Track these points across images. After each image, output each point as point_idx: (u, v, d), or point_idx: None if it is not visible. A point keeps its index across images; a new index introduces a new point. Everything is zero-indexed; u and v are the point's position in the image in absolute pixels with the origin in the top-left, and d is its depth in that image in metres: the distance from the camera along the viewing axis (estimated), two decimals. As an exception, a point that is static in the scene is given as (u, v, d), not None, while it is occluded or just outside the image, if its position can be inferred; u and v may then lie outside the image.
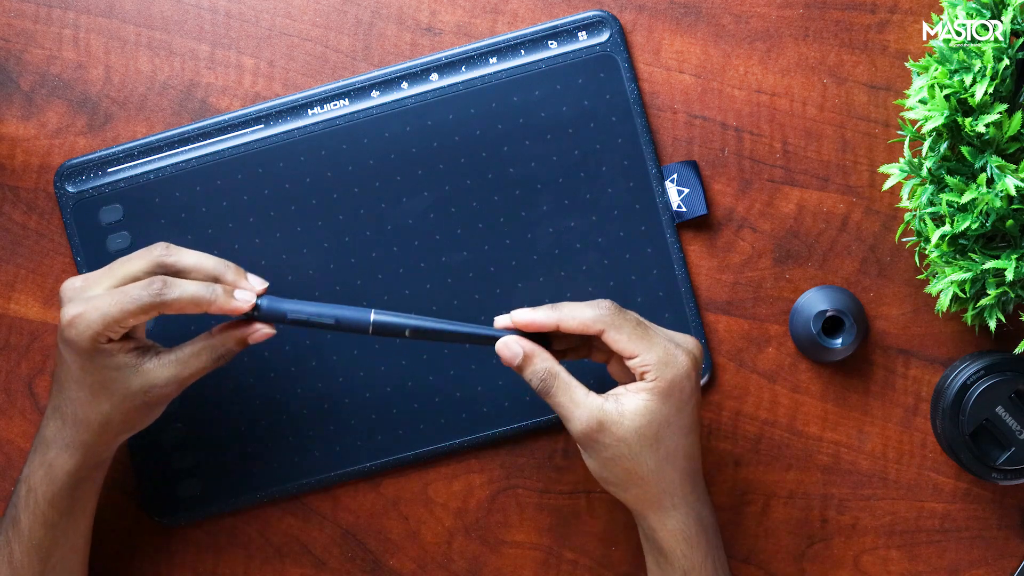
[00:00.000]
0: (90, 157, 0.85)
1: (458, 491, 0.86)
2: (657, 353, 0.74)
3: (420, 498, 0.86)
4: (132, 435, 0.80)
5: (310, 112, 0.85)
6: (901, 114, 0.81)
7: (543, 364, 0.76)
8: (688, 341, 0.76)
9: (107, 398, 0.76)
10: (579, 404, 0.75)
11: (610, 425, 0.74)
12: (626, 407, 0.74)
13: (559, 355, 0.79)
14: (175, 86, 0.86)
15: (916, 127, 0.79)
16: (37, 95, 0.87)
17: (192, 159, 0.85)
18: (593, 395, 0.75)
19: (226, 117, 0.85)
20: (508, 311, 0.78)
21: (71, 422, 0.77)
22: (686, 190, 0.84)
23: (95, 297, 0.74)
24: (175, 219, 0.85)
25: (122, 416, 0.77)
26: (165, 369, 0.76)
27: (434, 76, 0.85)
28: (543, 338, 0.77)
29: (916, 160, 0.78)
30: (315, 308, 0.77)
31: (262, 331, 0.78)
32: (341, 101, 0.85)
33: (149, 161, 0.85)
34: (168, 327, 0.85)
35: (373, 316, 0.76)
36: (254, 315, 0.77)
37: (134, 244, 0.85)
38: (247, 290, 0.77)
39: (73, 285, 0.76)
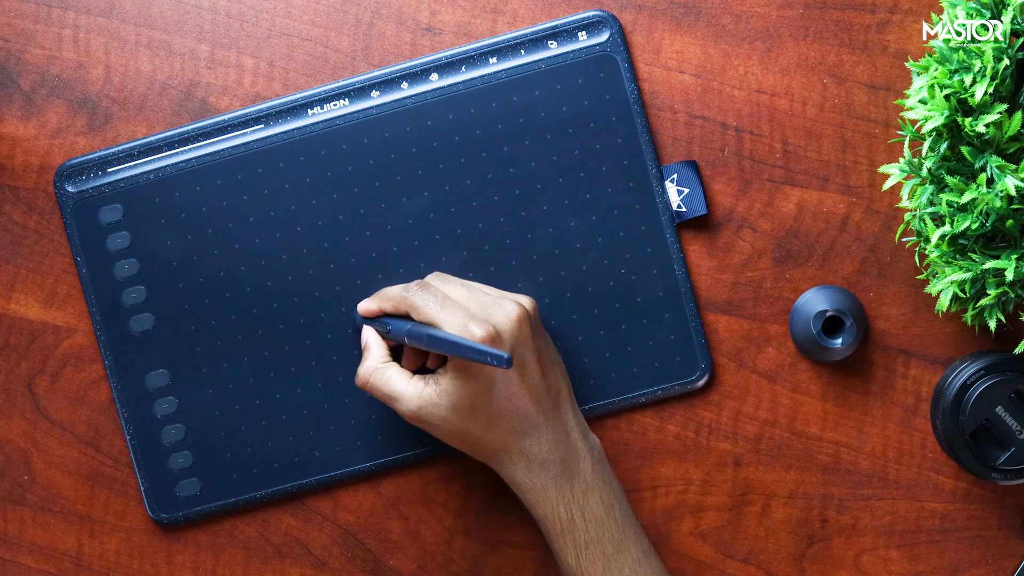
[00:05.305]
0: (90, 157, 0.85)
1: (458, 491, 0.86)
2: (453, 328, 0.76)
3: (420, 498, 0.86)
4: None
5: (310, 112, 0.85)
6: (901, 114, 0.81)
7: (367, 364, 0.80)
8: (497, 311, 0.77)
9: None
10: (400, 395, 0.78)
11: (431, 408, 0.77)
12: (443, 387, 0.77)
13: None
14: (175, 86, 0.86)
15: (916, 127, 0.79)
16: (37, 95, 0.87)
17: (192, 159, 0.85)
18: (415, 381, 0.78)
19: (226, 117, 0.85)
20: None
21: None
22: (686, 190, 0.84)
23: None
24: (175, 219, 0.85)
25: None
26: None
27: (434, 76, 0.85)
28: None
29: (916, 160, 0.78)
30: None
31: None
32: (341, 101, 0.85)
33: (149, 161, 0.85)
34: (163, 327, 0.85)
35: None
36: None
37: (134, 244, 0.85)
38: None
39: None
